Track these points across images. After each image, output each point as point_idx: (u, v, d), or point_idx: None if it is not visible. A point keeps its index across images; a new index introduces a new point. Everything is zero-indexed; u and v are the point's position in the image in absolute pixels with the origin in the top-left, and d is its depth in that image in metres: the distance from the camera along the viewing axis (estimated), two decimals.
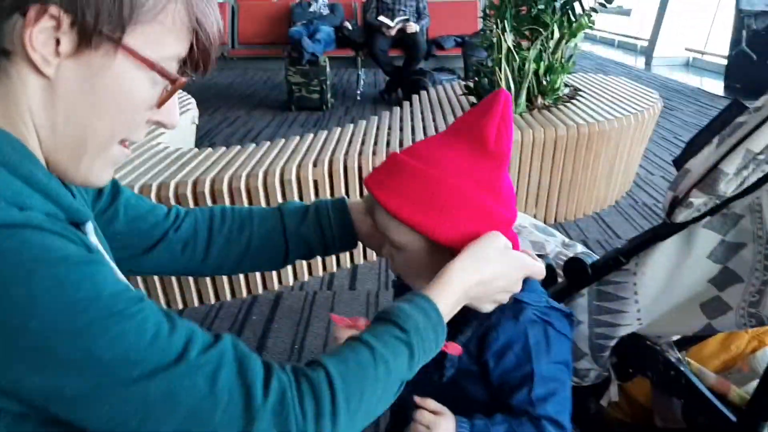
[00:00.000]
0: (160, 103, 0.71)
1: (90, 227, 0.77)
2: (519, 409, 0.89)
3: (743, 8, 7.53)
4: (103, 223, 0.91)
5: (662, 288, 1.10)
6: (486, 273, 0.83)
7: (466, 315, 0.91)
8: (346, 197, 1.09)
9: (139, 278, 2.61)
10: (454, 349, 0.88)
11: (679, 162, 1.03)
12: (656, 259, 1.09)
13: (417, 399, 0.90)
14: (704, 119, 6.05)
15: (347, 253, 3.06)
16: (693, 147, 1.01)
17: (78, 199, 0.79)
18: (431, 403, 0.90)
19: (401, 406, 1.54)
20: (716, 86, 7.86)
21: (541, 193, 3.38)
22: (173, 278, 2.68)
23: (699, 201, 0.97)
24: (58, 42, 0.62)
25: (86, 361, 0.58)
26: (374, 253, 3.13)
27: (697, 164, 0.98)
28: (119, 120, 0.69)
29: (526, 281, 0.94)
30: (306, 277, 3.02)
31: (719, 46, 8.78)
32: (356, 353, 0.72)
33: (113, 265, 0.78)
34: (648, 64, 9.73)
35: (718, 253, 1.05)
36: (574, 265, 1.18)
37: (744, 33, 7.53)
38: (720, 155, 0.94)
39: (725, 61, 8.03)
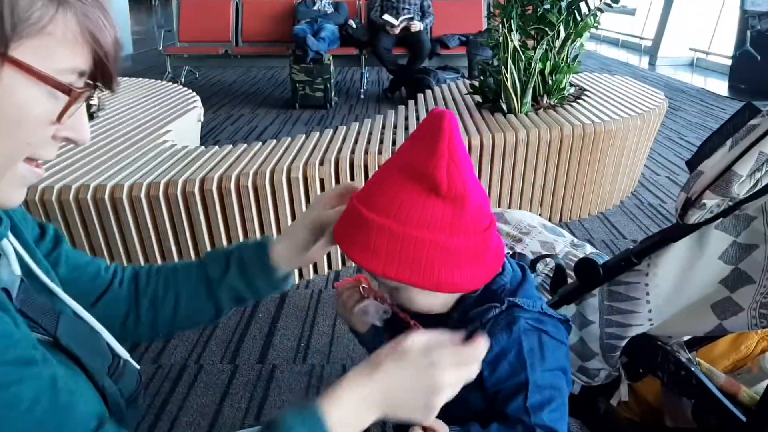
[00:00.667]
0: (59, 117, 0.67)
1: (7, 245, 0.76)
2: (514, 417, 0.88)
3: (748, 9, 7.53)
4: (51, 267, 0.90)
5: (674, 288, 1.11)
6: (384, 380, 0.75)
7: (462, 318, 0.91)
8: (270, 239, 1.04)
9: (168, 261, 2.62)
10: None
11: (692, 163, 1.03)
12: (668, 260, 1.09)
13: None
14: (709, 119, 6.05)
15: None
16: (706, 149, 1.02)
17: (3, 217, 0.78)
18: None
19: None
20: (720, 86, 7.85)
21: (546, 193, 3.38)
22: None
23: (712, 202, 0.98)
24: None
25: None
26: None
27: (710, 166, 0.98)
28: (17, 137, 0.66)
29: (522, 285, 0.93)
30: (311, 275, 3.02)
31: (724, 47, 8.77)
32: None
33: (43, 277, 0.79)
34: (652, 63, 9.71)
35: (729, 255, 1.05)
36: (585, 265, 1.19)
37: (748, 33, 7.52)
38: (733, 157, 0.94)
39: (730, 62, 8.02)
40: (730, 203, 0.99)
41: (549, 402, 0.88)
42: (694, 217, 1.00)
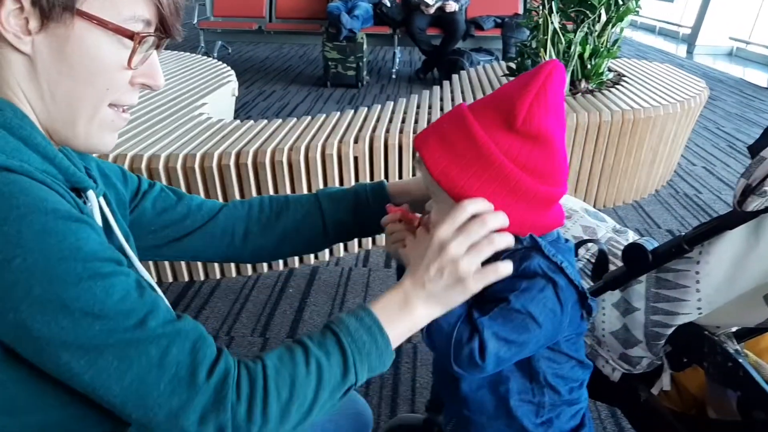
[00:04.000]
0: (129, 61, 0.75)
1: (92, 196, 0.82)
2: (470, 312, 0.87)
3: None
4: (133, 210, 1.01)
5: (726, 278, 1.08)
6: (413, 279, 0.83)
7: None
8: (385, 181, 1.14)
9: None
10: (505, 268, 0.83)
11: (754, 149, 1.00)
12: (722, 248, 1.07)
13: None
14: (747, 111, 5.92)
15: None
16: None
17: (91, 170, 0.86)
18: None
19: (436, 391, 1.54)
20: (760, 77, 7.67)
21: (581, 178, 3.33)
22: None
23: None
24: (27, 21, 0.70)
25: (55, 305, 0.63)
26: None
27: None
28: (98, 84, 0.74)
29: (556, 240, 0.92)
30: (342, 253, 3.02)
31: (765, 36, 8.56)
32: (291, 352, 0.76)
33: (121, 238, 0.87)
34: (690, 52, 9.51)
35: None
36: (634, 251, 1.16)
37: None
38: None
39: None
40: None
41: (497, 327, 0.84)
42: (754, 204, 0.97)
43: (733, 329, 1.19)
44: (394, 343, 0.81)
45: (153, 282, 0.88)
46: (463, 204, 0.81)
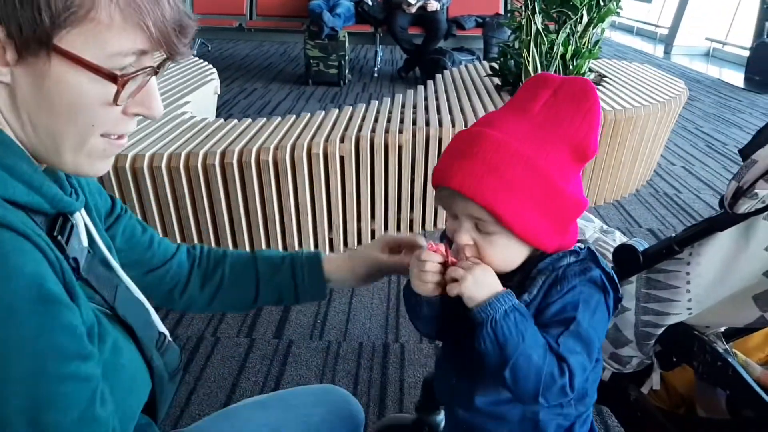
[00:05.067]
0: (115, 100, 0.68)
1: (79, 218, 0.79)
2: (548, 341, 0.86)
3: None
4: (108, 234, 0.96)
5: (716, 278, 1.10)
6: None
7: (529, 272, 0.90)
8: (322, 253, 1.15)
9: (185, 232, 2.66)
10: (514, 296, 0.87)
11: (745, 152, 1.02)
12: (712, 250, 1.08)
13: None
14: (725, 111, 6.01)
15: (368, 231, 3.06)
16: (761, 138, 1.00)
17: (80, 193, 0.82)
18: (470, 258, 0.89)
19: (429, 386, 1.54)
20: (736, 78, 7.78)
21: None
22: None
23: (764, 192, 0.96)
24: (5, 51, 0.64)
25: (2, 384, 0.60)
26: (395, 231, 3.15)
27: (765, 155, 0.97)
28: (80, 121, 0.69)
29: (593, 254, 0.93)
30: (327, 252, 3.02)
31: (741, 37, 8.69)
32: None
33: (104, 249, 0.84)
34: (667, 52, 9.63)
35: None
36: (625, 252, 1.18)
37: (767, 24, 7.44)
38: None
39: (746, 53, 7.94)
40: None
41: (577, 354, 0.85)
42: (745, 206, 0.99)
43: (722, 329, 1.21)
44: None
45: (136, 289, 0.87)
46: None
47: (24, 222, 0.64)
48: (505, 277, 0.89)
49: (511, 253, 0.89)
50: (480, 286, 0.85)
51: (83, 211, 0.82)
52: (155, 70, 0.72)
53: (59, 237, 0.71)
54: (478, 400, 0.96)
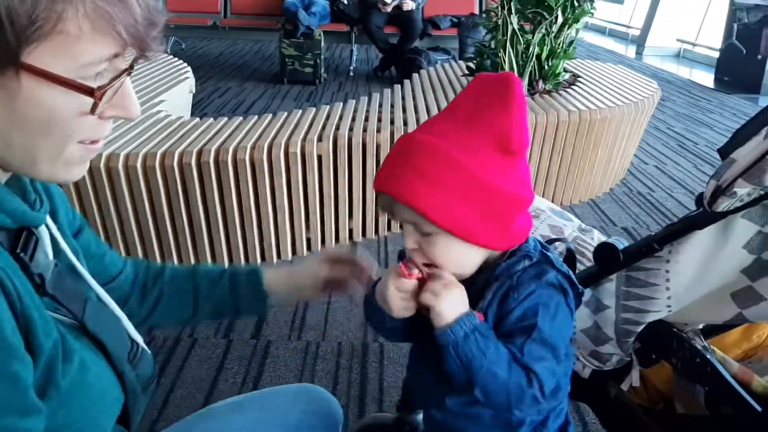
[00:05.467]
0: (92, 111, 0.67)
1: (44, 231, 0.77)
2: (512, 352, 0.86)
3: (737, 1, 7.56)
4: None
5: (695, 276, 1.11)
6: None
7: (488, 278, 0.90)
8: (261, 268, 1.13)
9: (161, 232, 2.63)
10: (476, 316, 0.86)
11: (724, 151, 1.03)
12: (691, 248, 1.10)
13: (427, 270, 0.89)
14: (696, 111, 6.10)
15: (346, 230, 3.05)
16: (740, 137, 1.01)
17: (44, 199, 0.79)
18: (448, 274, 0.88)
19: (408, 386, 1.54)
20: (706, 78, 7.91)
21: (539, 178, 3.39)
22: (188, 239, 2.67)
23: (743, 191, 0.98)
24: None
25: None
26: (373, 231, 3.15)
27: (744, 154, 0.98)
28: (56, 134, 0.66)
29: (549, 253, 0.93)
30: (305, 252, 3.00)
31: (711, 38, 8.83)
32: None
33: (71, 257, 0.82)
34: (639, 53, 9.75)
35: (754, 244, 1.06)
36: (605, 250, 1.19)
37: (735, 26, 7.57)
38: None
39: (716, 54, 8.08)
40: (762, 192, 0.99)
41: (544, 359, 0.85)
42: (724, 205, 1.00)
43: (701, 326, 1.22)
44: None
45: (107, 297, 0.86)
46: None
47: None
48: (467, 283, 0.90)
49: (458, 255, 0.88)
50: (452, 304, 0.85)
51: (48, 219, 0.80)
52: (129, 71, 0.70)
53: (22, 254, 0.69)
54: (449, 401, 0.96)
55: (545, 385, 0.84)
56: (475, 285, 0.91)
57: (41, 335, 0.66)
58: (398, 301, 0.89)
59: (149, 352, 0.91)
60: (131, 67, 0.70)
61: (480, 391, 0.85)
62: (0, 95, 0.63)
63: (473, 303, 0.88)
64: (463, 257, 0.88)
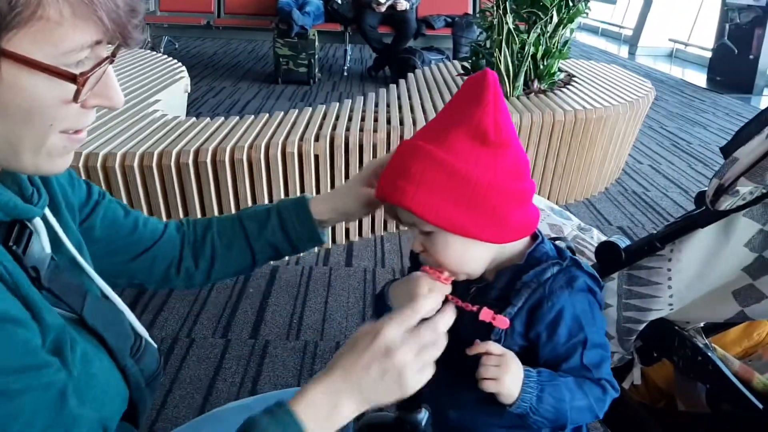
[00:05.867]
0: (75, 98, 0.65)
1: (40, 222, 0.76)
2: (573, 373, 0.89)
3: (729, 1, 7.60)
4: (83, 221, 0.93)
5: (697, 274, 1.12)
6: (346, 374, 0.76)
7: (515, 284, 0.91)
8: (307, 196, 1.09)
9: None
10: (502, 322, 0.87)
11: (726, 150, 1.03)
12: (693, 246, 1.10)
13: (478, 343, 0.88)
14: (689, 111, 6.13)
15: (343, 229, 3.06)
16: (742, 135, 1.02)
17: (42, 192, 0.78)
18: (495, 347, 0.87)
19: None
20: (699, 78, 7.95)
21: (535, 177, 3.39)
22: None
23: (745, 189, 0.98)
24: None
25: None
26: (370, 230, 3.15)
27: (746, 153, 0.99)
28: (38, 123, 0.65)
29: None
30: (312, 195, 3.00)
31: (703, 38, 8.87)
32: None
33: (72, 250, 0.80)
34: (632, 53, 9.79)
35: (755, 242, 1.06)
36: (607, 249, 1.19)
37: (727, 26, 7.61)
38: None
39: (709, 53, 8.12)
40: (764, 191, 1.00)
41: (604, 360, 0.91)
42: (726, 203, 1.01)
43: (702, 324, 1.23)
44: None
45: (110, 291, 0.85)
46: (417, 306, 0.78)
47: None
48: (487, 285, 0.92)
49: (458, 252, 0.88)
50: (514, 380, 0.86)
51: (48, 211, 0.79)
52: (111, 59, 0.69)
53: (15, 247, 0.69)
54: (469, 395, 0.96)
55: (612, 381, 0.91)
56: (494, 287, 0.93)
57: (46, 314, 0.66)
58: (430, 303, 0.85)
59: (155, 345, 0.90)
60: (113, 55, 0.69)
61: (571, 424, 0.91)
62: None
63: (497, 306, 0.89)
64: (463, 253, 0.88)
